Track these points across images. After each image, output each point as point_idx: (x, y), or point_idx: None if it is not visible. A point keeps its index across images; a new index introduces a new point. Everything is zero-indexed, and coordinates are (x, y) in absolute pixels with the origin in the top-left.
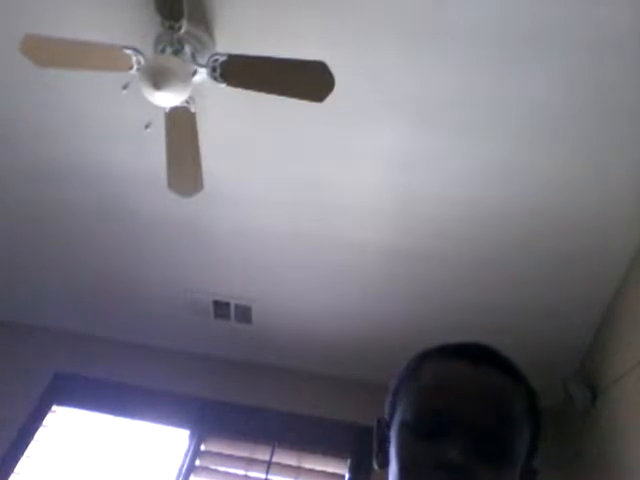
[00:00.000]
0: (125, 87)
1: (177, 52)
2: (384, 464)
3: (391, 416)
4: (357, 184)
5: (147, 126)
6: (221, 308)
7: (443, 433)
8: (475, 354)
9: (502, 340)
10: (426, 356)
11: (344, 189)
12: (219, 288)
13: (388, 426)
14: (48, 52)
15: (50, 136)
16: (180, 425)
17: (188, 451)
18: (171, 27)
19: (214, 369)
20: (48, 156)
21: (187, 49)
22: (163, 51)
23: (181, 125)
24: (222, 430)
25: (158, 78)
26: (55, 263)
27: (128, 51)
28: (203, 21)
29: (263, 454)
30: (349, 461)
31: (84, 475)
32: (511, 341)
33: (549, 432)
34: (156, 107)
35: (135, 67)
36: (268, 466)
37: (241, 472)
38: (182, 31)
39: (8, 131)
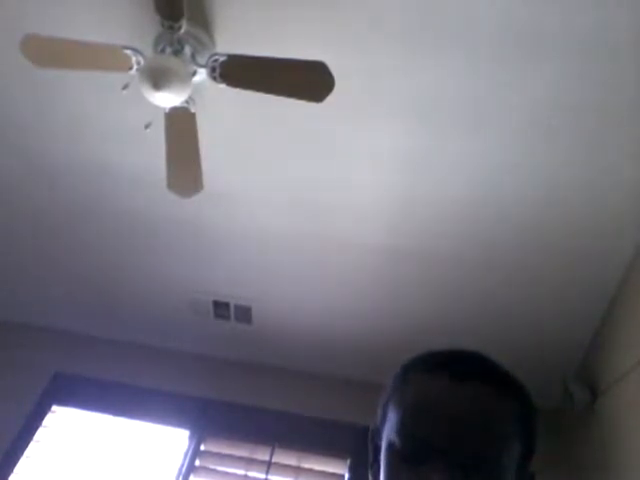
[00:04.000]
0: (125, 87)
1: (177, 52)
2: (378, 476)
3: (382, 425)
4: (357, 184)
5: (147, 126)
6: (221, 308)
7: (426, 458)
8: (460, 368)
9: (502, 340)
10: (411, 368)
11: (344, 189)
12: (219, 288)
13: (380, 436)
14: (48, 52)
15: (50, 136)
16: (180, 425)
17: (188, 451)
18: (171, 27)
19: (214, 369)
20: (48, 156)
21: (187, 49)
22: (163, 51)
23: (181, 125)
24: (222, 430)
25: (158, 78)
26: (55, 263)
27: (128, 51)
28: (203, 21)
29: (263, 454)
30: (349, 461)
31: (84, 475)
32: (511, 341)
33: (549, 432)
34: (156, 107)
35: (135, 67)
36: (268, 466)
37: (241, 472)
38: (182, 31)
39: (8, 132)
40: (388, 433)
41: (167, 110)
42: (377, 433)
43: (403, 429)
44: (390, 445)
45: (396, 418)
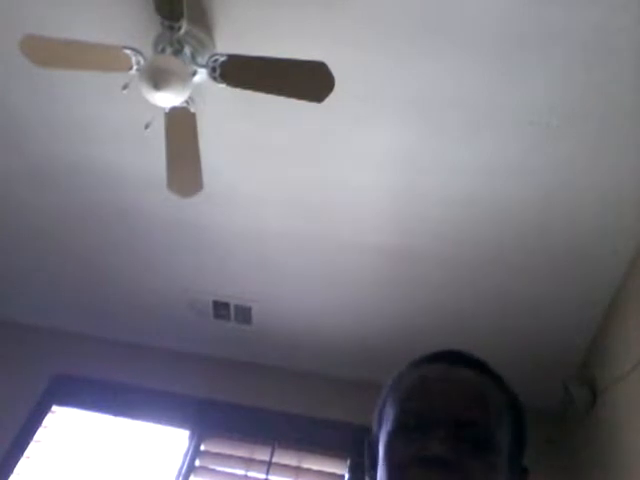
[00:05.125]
0: (125, 87)
1: (177, 52)
2: None
3: (379, 430)
4: (356, 184)
5: (147, 126)
6: (221, 308)
7: (423, 428)
8: (450, 357)
9: (502, 341)
10: (404, 370)
11: (344, 189)
12: (219, 288)
13: (377, 443)
14: (48, 52)
15: (50, 137)
16: (180, 425)
17: (188, 451)
18: (171, 27)
19: (214, 369)
20: (48, 157)
21: (187, 49)
22: (163, 51)
23: (181, 125)
24: (222, 430)
25: (158, 79)
26: (55, 263)
27: (128, 51)
28: (203, 21)
29: (263, 454)
30: (349, 461)
31: (84, 475)
32: (511, 342)
33: (549, 432)
34: (156, 107)
35: (135, 67)
36: (268, 466)
37: (241, 472)
38: (182, 31)
39: (8, 132)
40: (387, 425)
41: (167, 110)
42: (375, 441)
43: (403, 410)
44: (390, 433)
45: (393, 410)
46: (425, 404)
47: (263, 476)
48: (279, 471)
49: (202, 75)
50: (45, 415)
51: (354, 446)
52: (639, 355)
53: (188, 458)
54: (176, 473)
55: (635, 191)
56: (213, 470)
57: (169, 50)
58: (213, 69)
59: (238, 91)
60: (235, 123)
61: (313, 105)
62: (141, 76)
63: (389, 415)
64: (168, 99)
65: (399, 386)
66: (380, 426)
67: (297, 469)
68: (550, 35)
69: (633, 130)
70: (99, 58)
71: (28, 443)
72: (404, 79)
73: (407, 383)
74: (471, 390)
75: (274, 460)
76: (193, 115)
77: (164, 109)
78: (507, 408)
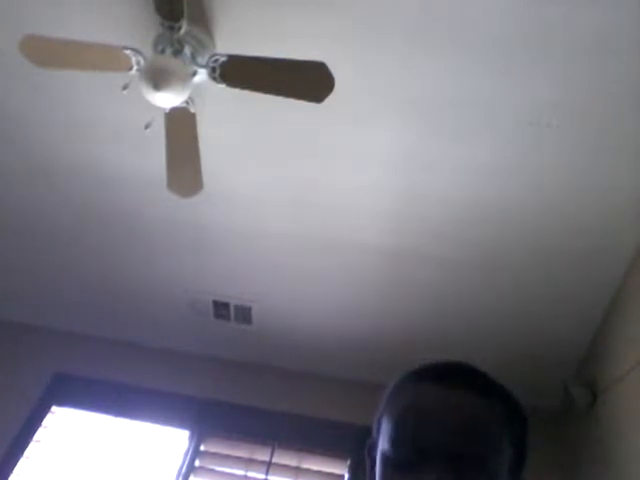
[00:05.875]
0: (125, 87)
1: (177, 53)
2: None
3: (377, 439)
4: (357, 184)
5: (147, 126)
6: (221, 308)
7: (419, 463)
8: (448, 377)
9: (503, 341)
10: (402, 382)
11: (344, 189)
12: (219, 288)
13: (376, 449)
14: (48, 52)
15: (50, 137)
16: (180, 425)
17: (188, 451)
18: (171, 27)
19: (214, 369)
20: (48, 157)
21: (187, 50)
22: (163, 52)
23: (181, 126)
24: (222, 430)
25: (158, 79)
26: (55, 263)
27: (128, 51)
28: (203, 21)
29: (263, 454)
30: (349, 461)
31: (84, 475)
32: (511, 342)
33: (549, 432)
34: (156, 107)
35: (135, 67)
36: (268, 466)
37: (241, 472)
38: (182, 31)
39: (9, 132)
40: (382, 443)
41: (167, 110)
42: (373, 447)
43: (396, 437)
44: (383, 454)
45: (388, 428)
46: (419, 435)
47: (263, 476)
48: (279, 471)
49: (202, 75)
50: (45, 415)
51: (355, 446)
52: (639, 355)
53: (188, 458)
54: (176, 473)
55: (635, 191)
56: (213, 470)
57: (169, 50)
58: (213, 69)
59: (238, 91)
60: (235, 123)
61: (313, 105)
62: (141, 76)
63: (384, 431)
64: (168, 99)
65: (395, 401)
66: (379, 433)
67: (297, 469)
68: (550, 35)
69: (633, 130)
70: (99, 58)
71: (28, 443)
72: (404, 79)
73: (402, 404)
74: (467, 420)
75: (274, 460)
76: (193, 115)
77: (164, 109)
78: (507, 429)
